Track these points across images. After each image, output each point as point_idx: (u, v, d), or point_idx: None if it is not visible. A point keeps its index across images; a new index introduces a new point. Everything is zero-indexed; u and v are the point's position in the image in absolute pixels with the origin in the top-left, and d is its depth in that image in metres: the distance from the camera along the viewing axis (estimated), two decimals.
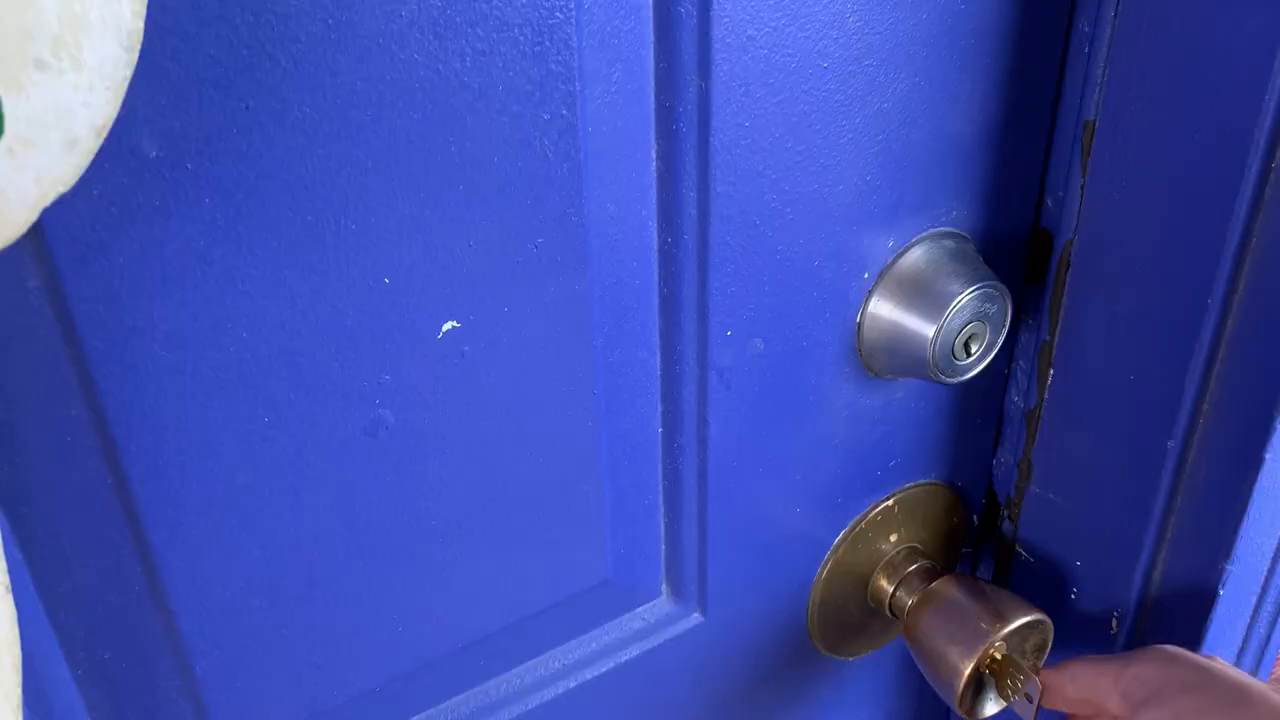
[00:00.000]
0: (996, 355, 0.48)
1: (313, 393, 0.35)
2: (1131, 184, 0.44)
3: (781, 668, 0.54)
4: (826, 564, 0.51)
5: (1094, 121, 0.45)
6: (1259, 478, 0.43)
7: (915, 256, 0.45)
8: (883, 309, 0.45)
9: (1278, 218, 0.40)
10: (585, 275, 0.39)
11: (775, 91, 0.38)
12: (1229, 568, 0.45)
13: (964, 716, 0.51)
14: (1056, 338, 0.49)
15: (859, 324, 0.46)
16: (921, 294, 0.45)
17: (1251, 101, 0.39)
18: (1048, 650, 0.51)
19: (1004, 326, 0.47)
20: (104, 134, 0.27)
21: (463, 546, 0.41)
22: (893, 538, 0.53)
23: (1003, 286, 0.46)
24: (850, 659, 0.56)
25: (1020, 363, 0.53)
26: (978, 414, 0.54)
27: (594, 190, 0.38)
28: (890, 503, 0.52)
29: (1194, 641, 0.47)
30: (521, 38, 0.33)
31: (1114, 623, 0.50)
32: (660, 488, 0.46)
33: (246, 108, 0.30)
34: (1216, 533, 0.45)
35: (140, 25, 0.26)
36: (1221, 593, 0.46)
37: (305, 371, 0.34)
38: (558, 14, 0.34)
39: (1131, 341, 0.46)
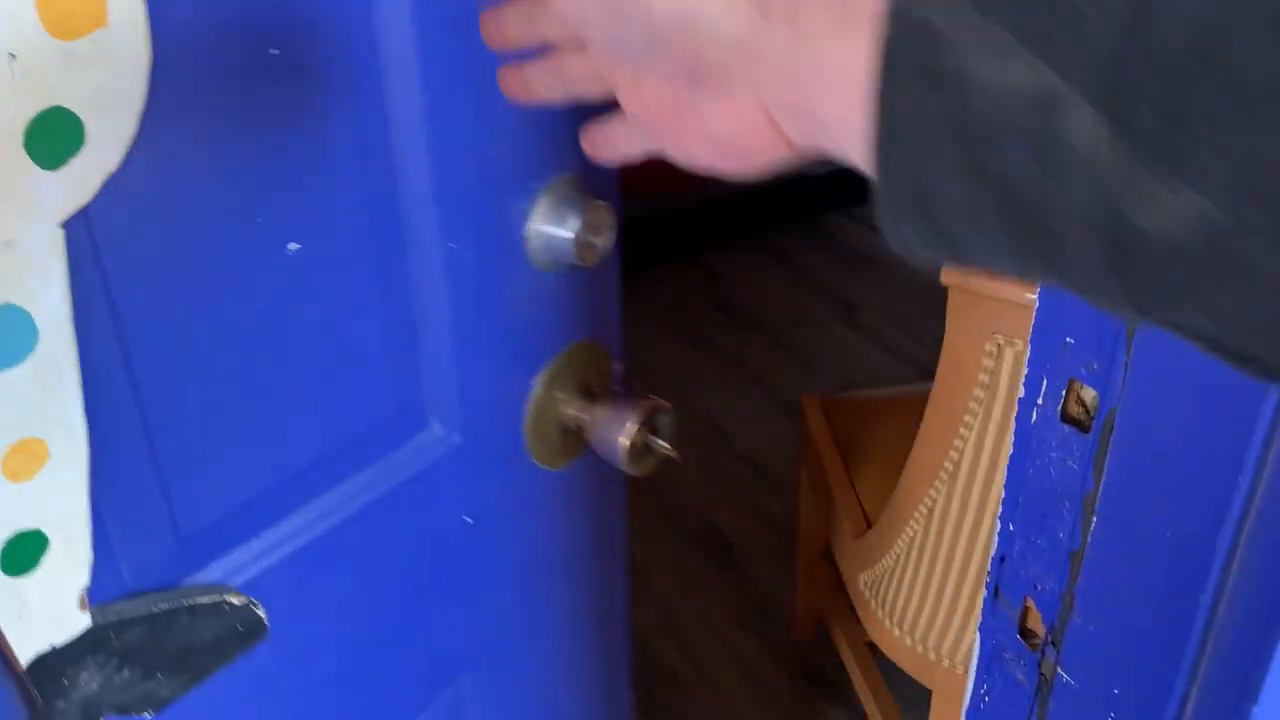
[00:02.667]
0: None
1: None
2: (1170, 364, 0.50)
3: (515, 477, 0.80)
4: (530, 398, 0.78)
5: None
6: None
7: (554, 191, 0.73)
8: (538, 224, 0.73)
9: None
10: (371, 218, 0.63)
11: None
12: (1254, 709, 0.51)
13: (631, 472, 0.79)
14: (1100, 489, 0.56)
15: (525, 235, 0.73)
16: (558, 211, 0.73)
17: None
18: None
19: (613, 230, 0.76)
20: None
21: (299, 383, 0.59)
22: (569, 377, 0.81)
23: (604, 206, 0.75)
24: (559, 469, 0.84)
25: (1066, 504, 0.59)
26: (606, 290, 0.78)
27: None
28: (564, 354, 0.79)
29: None
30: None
31: None
32: (421, 348, 0.69)
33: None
34: (1243, 681, 0.51)
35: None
36: None
37: (244, 283, 0.55)
38: None
39: (1169, 502, 0.52)
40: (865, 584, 1.47)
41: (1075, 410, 0.57)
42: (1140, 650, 0.57)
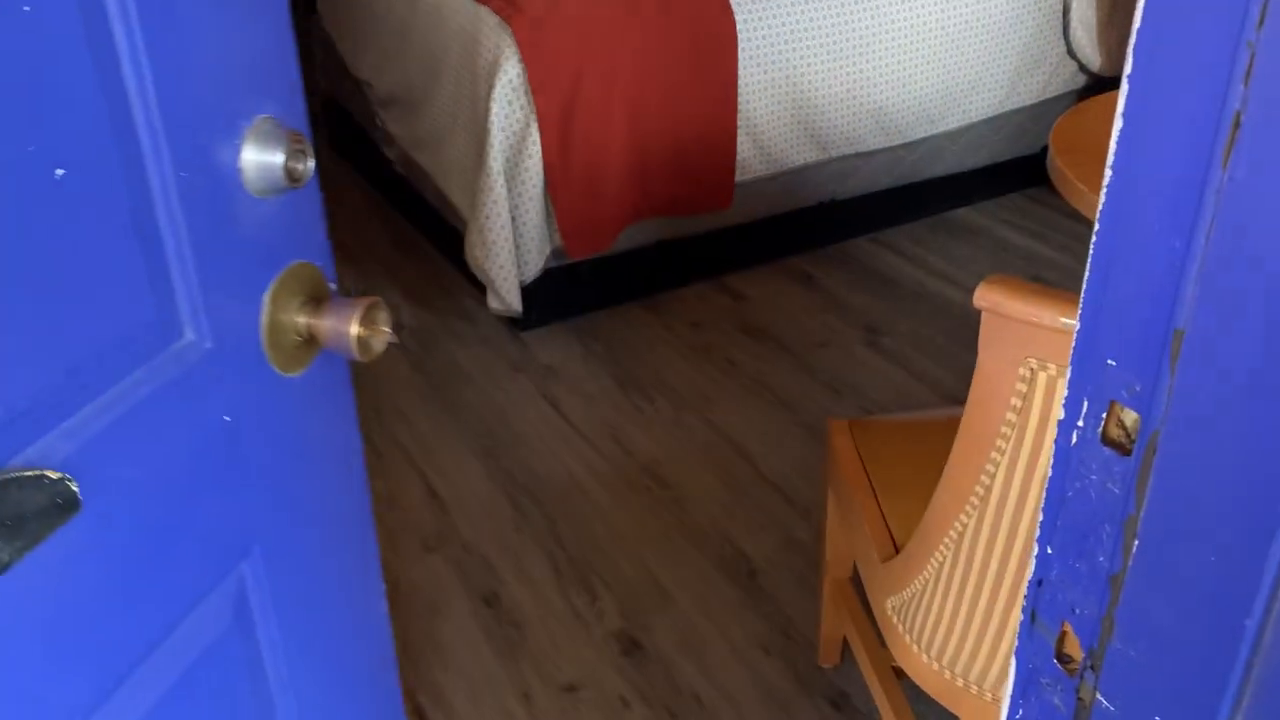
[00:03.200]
0: None
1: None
2: (1218, 389, 0.49)
3: (259, 382, 0.81)
4: (263, 310, 0.84)
5: (1183, 331, 0.50)
6: None
7: (258, 129, 0.83)
8: (249, 155, 0.79)
9: None
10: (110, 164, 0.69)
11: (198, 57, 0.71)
12: None
13: (363, 359, 0.93)
14: (1142, 513, 0.54)
15: (240, 167, 0.79)
16: (264, 144, 0.84)
17: None
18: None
19: (311, 156, 0.90)
20: None
21: (81, 292, 0.65)
22: (293, 292, 0.88)
23: (300, 135, 0.85)
24: (297, 375, 0.87)
25: (1106, 527, 0.58)
26: (314, 220, 0.84)
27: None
28: (287, 272, 0.84)
29: None
30: None
31: None
32: (170, 266, 0.76)
33: None
34: None
35: None
36: None
37: (24, 201, 0.60)
38: None
39: (1213, 525, 0.51)
40: (893, 608, 1.44)
41: (1116, 433, 0.57)
42: (1183, 676, 0.56)
